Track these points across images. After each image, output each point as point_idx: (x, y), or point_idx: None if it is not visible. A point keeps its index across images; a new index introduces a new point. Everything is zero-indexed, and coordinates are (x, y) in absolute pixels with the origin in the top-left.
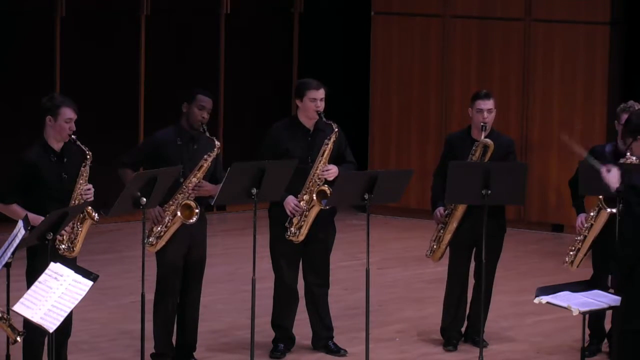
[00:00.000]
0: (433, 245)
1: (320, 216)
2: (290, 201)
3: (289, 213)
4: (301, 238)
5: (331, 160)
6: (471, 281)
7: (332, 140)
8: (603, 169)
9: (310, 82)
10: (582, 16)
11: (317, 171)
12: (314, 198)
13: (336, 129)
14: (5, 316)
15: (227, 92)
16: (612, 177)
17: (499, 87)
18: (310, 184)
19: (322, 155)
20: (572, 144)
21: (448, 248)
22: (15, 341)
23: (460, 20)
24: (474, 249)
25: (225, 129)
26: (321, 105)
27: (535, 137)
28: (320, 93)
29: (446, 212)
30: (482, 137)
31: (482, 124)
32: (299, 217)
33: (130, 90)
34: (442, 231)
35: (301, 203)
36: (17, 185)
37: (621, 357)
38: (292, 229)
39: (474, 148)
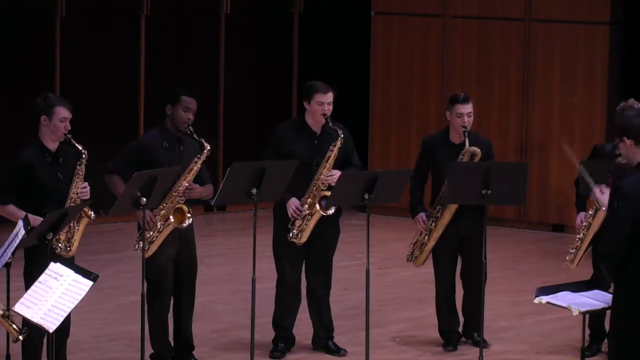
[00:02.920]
0: (415, 251)
1: (325, 217)
2: (292, 204)
3: (289, 216)
4: (303, 240)
5: (337, 164)
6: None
7: (337, 146)
8: (596, 190)
9: (319, 85)
10: (582, 16)
11: (321, 176)
12: (316, 204)
13: (341, 135)
14: (7, 314)
15: (227, 92)
16: (604, 198)
17: (499, 87)
18: (314, 188)
19: (327, 161)
20: (570, 154)
21: (432, 253)
22: (17, 339)
23: (460, 20)
24: (459, 251)
25: (225, 129)
26: (328, 109)
27: (535, 137)
28: (328, 97)
29: (431, 219)
30: (467, 144)
31: (463, 128)
32: (301, 221)
33: (130, 90)
34: (426, 237)
35: (304, 206)
36: (13, 186)
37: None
38: (295, 231)
39: (460, 157)
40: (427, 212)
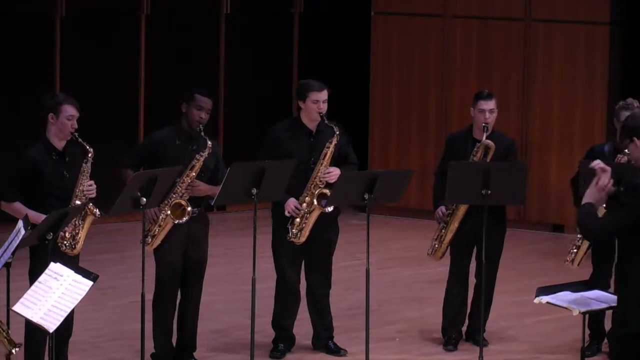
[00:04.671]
0: (435, 244)
1: (324, 216)
2: (291, 203)
3: (287, 214)
4: (302, 240)
5: (333, 162)
6: (472, 280)
7: (333, 143)
8: (593, 183)
9: (313, 84)
10: (582, 16)
11: (319, 174)
12: (315, 201)
13: (337, 132)
14: (3, 327)
15: (227, 92)
16: (604, 181)
17: (499, 87)
18: (312, 186)
19: (324, 158)
20: None
21: (449, 247)
22: (11, 353)
23: (460, 20)
24: (475, 249)
25: (225, 129)
26: (323, 107)
27: (535, 137)
28: (323, 95)
29: (448, 211)
30: (484, 138)
31: (484, 124)
32: (300, 220)
33: (130, 90)
34: (443, 230)
35: (302, 205)
36: (19, 183)
37: None
38: (294, 231)
39: (475, 149)
40: (447, 206)
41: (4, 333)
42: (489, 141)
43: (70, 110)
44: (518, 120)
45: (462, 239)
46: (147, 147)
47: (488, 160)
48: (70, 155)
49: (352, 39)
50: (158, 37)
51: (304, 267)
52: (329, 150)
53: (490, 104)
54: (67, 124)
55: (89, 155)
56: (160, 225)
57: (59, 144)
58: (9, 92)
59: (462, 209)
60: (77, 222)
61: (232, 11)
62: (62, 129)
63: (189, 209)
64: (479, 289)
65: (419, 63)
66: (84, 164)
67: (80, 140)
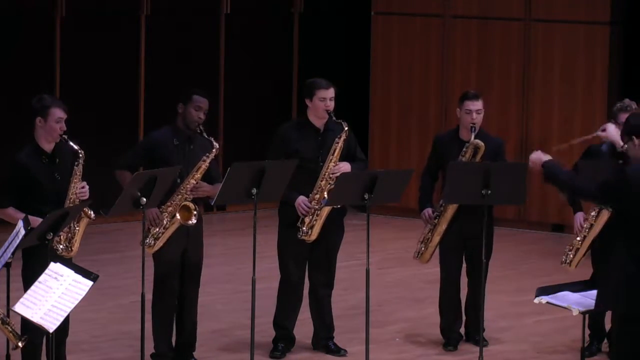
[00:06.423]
0: (421, 247)
1: (328, 217)
2: (301, 202)
3: (300, 214)
4: (313, 237)
5: (341, 159)
6: (464, 280)
7: (342, 139)
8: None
9: (320, 82)
10: (582, 16)
11: (328, 170)
12: (325, 197)
13: (346, 128)
14: (7, 320)
15: (227, 92)
16: (611, 133)
17: (499, 87)
18: (322, 183)
19: (333, 154)
20: (571, 142)
21: (437, 249)
22: (17, 346)
23: (460, 20)
24: (464, 250)
25: (225, 129)
26: (331, 105)
27: (535, 137)
28: (330, 92)
29: (435, 213)
30: (472, 138)
31: (471, 125)
32: (310, 217)
33: (130, 90)
34: (430, 233)
35: (312, 202)
36: (11, 188)
37: (621, 348)
38: (304, 229)
39: (464, 149)
40: (434, 207)
41: (9, 327)
42: (478, 141)
43: (58, 113)
44: (518, 120)
45: (451, 241)
46: (145, 148)
47: (477, 160)
48: (60, 157)
49: (352, 39)
50: (158, 37)
51: (308, 267)
52: (339, 145)
53: (477, 104)
54: (56, 126)
55: (80, 156)
56: (165, 228)
57: (48, 147)
58: (9, 92)
59: (450, 211)
60: (72, 225)
61: (232, 11)
62: (51, 132)
63: (196, 211)
64: (477, 289)
65: (419, 63)
66: (75, 167)
67: (70, 142)
